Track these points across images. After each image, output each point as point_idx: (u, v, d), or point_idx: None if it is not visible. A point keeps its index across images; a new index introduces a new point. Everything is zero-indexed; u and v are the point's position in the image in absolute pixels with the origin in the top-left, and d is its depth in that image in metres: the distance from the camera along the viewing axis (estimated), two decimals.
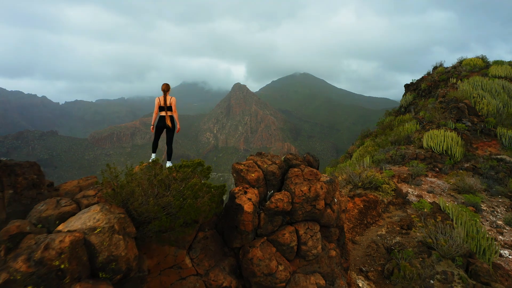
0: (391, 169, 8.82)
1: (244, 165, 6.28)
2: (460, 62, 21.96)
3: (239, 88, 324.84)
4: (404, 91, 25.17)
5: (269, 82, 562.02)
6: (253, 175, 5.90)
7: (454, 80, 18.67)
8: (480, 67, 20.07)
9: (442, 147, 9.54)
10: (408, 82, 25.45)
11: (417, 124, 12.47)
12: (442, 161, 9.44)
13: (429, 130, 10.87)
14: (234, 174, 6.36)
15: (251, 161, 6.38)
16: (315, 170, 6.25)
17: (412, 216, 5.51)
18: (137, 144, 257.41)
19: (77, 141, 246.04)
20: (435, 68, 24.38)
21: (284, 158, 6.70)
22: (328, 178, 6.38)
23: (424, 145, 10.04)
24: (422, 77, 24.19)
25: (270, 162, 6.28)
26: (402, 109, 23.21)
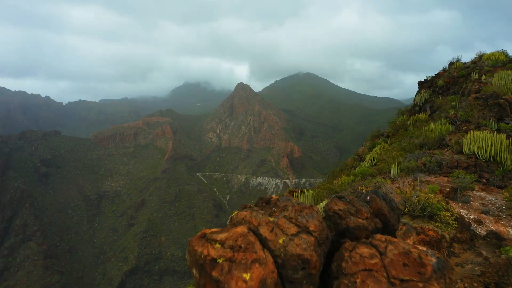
0: (426, 181, 7.24)
1: (221, 244, 2.42)
2: (480, 57, 20.34)
3: (242, 88, 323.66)
4: (418, 89, 23.60)
5: (272, 81, 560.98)
6: (246, 277, 2.21)
7: (477, 76, 17.08)
8: (503, 62, 18.48)
9: (490, 153, 7.96)
10: (422, 79, 23.90)
11: (448, 124, 10.86)
12: (489, 170, 7.79)
13: (467, 131, 9.28)
14: (194, 271, 2.56)
15: (242, 230, 2.50)
16: (415, 252, 2.46)
17: None
18: (140, 144, 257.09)
19: (80, 141, 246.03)
20: (451, 63, 22.75)
21: (327, 212, 3.11)
22: (435, 259, 2.44)
23: (465, 150, 8.38)
24: (438, 73, 22.60)
25: (294, 229, 2.59)
26: (417, 108, 21.60)
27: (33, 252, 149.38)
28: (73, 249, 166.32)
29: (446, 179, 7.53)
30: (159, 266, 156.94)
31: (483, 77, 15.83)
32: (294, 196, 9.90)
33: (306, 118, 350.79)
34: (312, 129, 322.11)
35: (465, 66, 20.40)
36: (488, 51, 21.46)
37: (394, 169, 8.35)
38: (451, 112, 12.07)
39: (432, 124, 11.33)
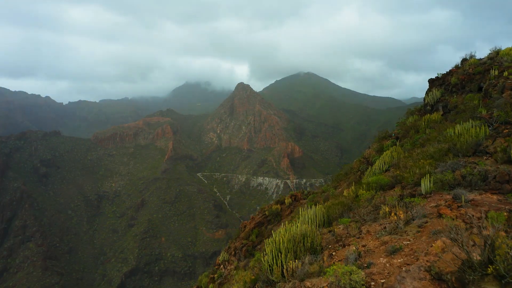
0: (471, 200, 5.64)
1: None
2: (497, 52, 18.98)
3: (242, 88, 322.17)
4: (428, 87, 22.26)
5: (273, 81, 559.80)
6: None
7: (496, 72, 15.74)
8: None
9: None
10: (433, 77, 22.53)
11: (483, 125, 9.34)
12: None
13: (510, 135, 7.87)
14: None
15: None
16: None
17: None
18: (140, 145, 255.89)
19: (80, 142, 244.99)
20: (464, 60, 21.36)
21: None
22: None
23: None
24: (450, 70, 21.23)
25: None
26: (428, 108, 20.23)
27: (32, 253, 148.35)
28: (73, 250, 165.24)
29: (495, 197, 5.85)
30: (159, 267, 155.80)
31: (505, 73, 14.48)
32: (300, 208, 8.53)
33: (307, 118, 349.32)
34: (313, 129, 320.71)
35: (480, 62, 19.02)
36: (489, 50, 20.20)
37: (425, 183, 6.89)
38: (483, 111, 10.60)
39: (458, 125, 9.88)
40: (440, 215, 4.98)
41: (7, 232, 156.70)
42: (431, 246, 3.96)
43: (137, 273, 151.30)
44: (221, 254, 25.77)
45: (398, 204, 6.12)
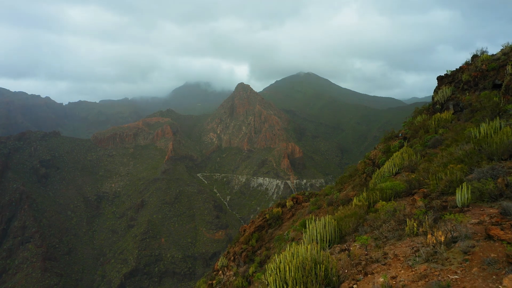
0: None
1: None
2: (511, 48, 18.00)
3: (242, 88, 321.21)
4: (437, 85, 21.29)
5: (273, 82, 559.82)
6: None
7: None
8: None
9: None
10: (442, 74, 21.56)
11: None
12: None
13: None
14: None
15: None
16: None
17: None
18: (140, 145, 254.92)
19: (80, 142, 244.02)
20: (475, 56, 20.40)
21: None
22: None
23: None
24: (460, 67, 20.28)
25: None
26: (437, 106, 19.25)
27: (31, 254, 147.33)
28: (72, 251, 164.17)
29: None
30: (159, 268, 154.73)
31: None
32: (309, 224, 7.52)
33: (307, 118, 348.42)
34: (313, 129, 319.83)
35: (494, 58, 18.04)
36: (490, 50, 19.57)
37: (462, 193, 5.78)
38: None
39: (483, 124, 8.84)
40: (489, 237, 3.91)
41: (6, 233, 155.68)
42: (498, 287, 2.78)
43: (136, 274, 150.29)
44: (220, 259, 24.77)
45: (427, 219, 5.01)
